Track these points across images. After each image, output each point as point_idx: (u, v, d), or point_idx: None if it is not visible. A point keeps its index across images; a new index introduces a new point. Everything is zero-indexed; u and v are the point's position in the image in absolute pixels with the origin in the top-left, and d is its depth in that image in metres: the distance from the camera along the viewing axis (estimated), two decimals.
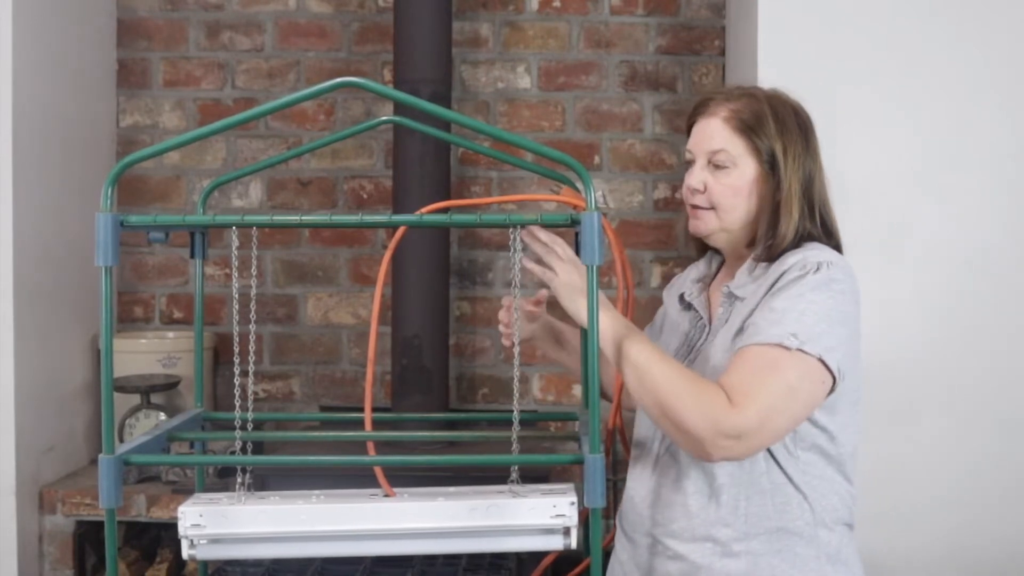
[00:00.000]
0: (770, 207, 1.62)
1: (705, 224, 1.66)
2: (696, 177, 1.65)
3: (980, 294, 2.54)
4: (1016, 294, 2.54)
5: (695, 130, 1.68)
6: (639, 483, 1.71)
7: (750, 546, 1.56)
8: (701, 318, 1.71)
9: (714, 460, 1.50)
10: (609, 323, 1.54)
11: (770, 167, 1.61)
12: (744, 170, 1.62)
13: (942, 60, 2.55)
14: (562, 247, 1.57)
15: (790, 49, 2.55)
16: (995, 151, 2.55)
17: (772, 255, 1.61)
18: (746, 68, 2.73)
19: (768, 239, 1.62)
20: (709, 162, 1.64)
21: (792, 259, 1.57)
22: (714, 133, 1.64)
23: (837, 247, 1.65)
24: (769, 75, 2.47)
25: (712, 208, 1.64)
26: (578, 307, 1.53)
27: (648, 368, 1.49)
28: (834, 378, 1.49)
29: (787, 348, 1.46)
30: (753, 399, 1.44)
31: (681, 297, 1.78)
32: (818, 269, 1.53)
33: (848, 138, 2.52)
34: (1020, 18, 2.55)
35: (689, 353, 1.68)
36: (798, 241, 1.61)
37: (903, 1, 2.56)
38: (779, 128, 1.61)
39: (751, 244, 1.67)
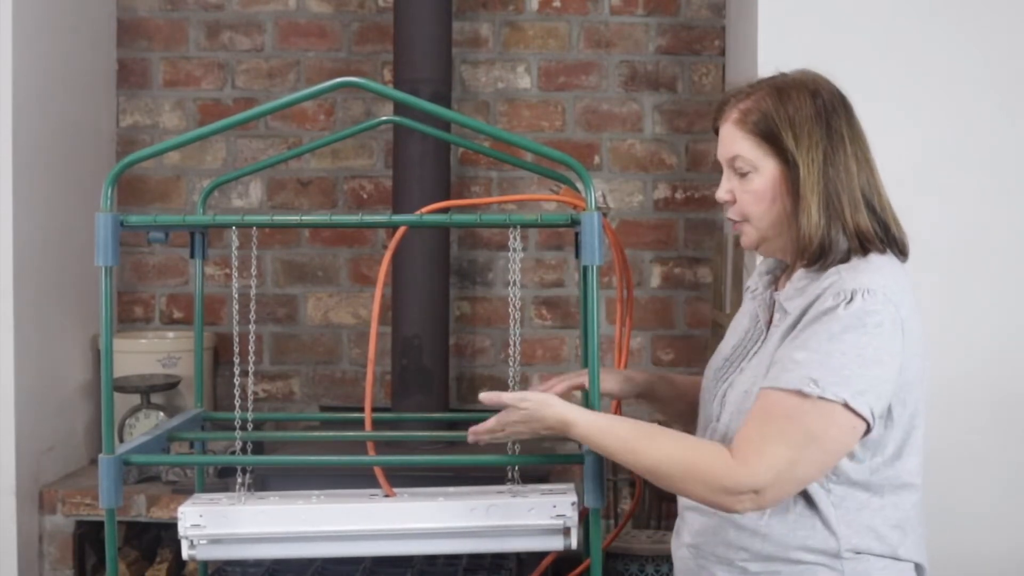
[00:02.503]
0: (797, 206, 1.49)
1: (747, 238, 1.55)
2: (722, 188, 1.54)
3: (980, 294, 2.54)
4: (1017, 294, 2.54)
5: (719, 137, 1.56)
6: None
7: (768, 567, 1.49)
8: (759, 320, 1.59)
9: (741, 513, 1.44)
10: (580, 419, 1.48)
11: (794, 163, 1.48)
12: (765, 173, 1.49)
13: (942, 60, 2.55)
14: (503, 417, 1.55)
15: (790, 49, 2.55)
16: (995, 151, 2.55)
17: (811, 260, 1.48)
18: (746, 68, 2.73)
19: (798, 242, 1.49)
20: (733, 170, 1.53)
21: (827, 280, 1.45)
22: (728, 138, 1.53)
23: (894, 243, 1.52)
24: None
25: (746, 220, 1.53)
26: (553, 420, 1.50)
27: (634, 459, 1.45)
28: (868, 421, 1.40)
29: (806, 395, 1.37)
30: (762, 454, 1.38)
31: (748, 288, 1.67)
32: (851, 300, 1.40)
33: None
34: (1020, 18, 2.55)
35: (742, 360, 1.57)
36: (849, 247, 1.47)
37: (903, 1, 2.56)
38: (788, 116, 1.48)
39: None
